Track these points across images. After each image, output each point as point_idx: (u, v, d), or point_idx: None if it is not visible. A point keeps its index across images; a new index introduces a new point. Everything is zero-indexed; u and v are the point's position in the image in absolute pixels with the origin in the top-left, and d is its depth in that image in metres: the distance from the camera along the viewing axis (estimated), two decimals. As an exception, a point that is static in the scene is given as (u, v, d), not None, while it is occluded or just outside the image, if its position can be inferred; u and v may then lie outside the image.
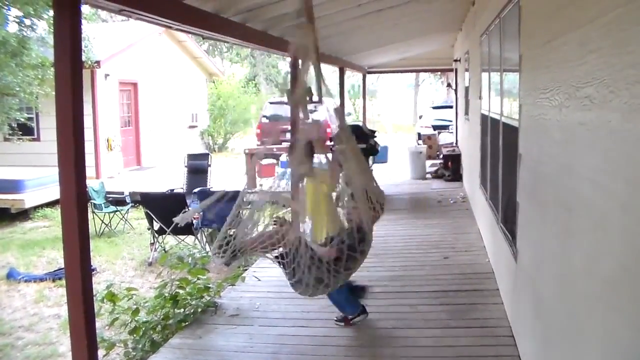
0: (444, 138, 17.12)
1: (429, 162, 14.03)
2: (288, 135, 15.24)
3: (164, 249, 8.93)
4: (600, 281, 2.32)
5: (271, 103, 21.54)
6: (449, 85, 19.72)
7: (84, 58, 3.75)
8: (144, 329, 5.26)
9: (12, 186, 12.17)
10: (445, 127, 19.26)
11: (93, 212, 10.16)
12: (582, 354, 2.61)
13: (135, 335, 5.23)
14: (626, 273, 2.03)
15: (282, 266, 3.96)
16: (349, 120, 27.71)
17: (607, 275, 2.24)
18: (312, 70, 3.65)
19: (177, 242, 8.93)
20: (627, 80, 2.00)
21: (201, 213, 8.79)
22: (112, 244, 10.06)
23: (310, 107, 3.80)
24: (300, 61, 3.72)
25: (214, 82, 25.21)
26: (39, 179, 12.42)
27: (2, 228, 11.56)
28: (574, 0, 2.78)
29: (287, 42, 7.54)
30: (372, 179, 4.35)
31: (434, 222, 8.90)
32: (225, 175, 14.80)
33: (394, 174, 13.86)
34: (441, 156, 14.05)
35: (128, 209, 11.09)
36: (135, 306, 5.40)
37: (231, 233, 3.94)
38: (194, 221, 8.73)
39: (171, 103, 20.39)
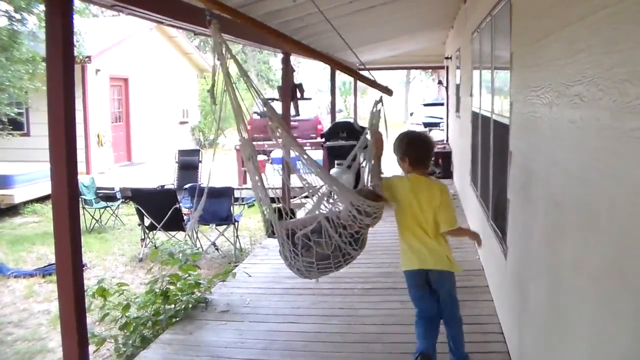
0: (435, 135, 17.14)
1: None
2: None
3: (155, 245, 8.93)
4: (589, 278, 2.35)
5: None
6: (440, 82, 19.76)
7: (75, 53, 3.74)
8: (134, 324, 5.26)
9: (2, 181, 12.11)
10: (436, 125, 19.30)
11: (83, 207, 10.13)
12: (572, 349, 2.64)
13: (125, 331, 5.23)
14: (615, 270, 2.05)
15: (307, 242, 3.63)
16: (340, 117, 27.75)
17: (596, 272, 2.26)
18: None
19: (167, 238, 8.93)
20: (616, 78, 2.02)
21: (192, 209, 8.79)
22: (102, 240, 10.04)
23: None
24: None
25: (205, 78, 25.13)
26: (29, 174, 12.37)
27: (-8, 223, 11.51)
28: (564, -2, 2.80)
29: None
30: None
31: (425, 219, 8.90)
32: (216, 171, 14.79)
33: (384, 171, 13.86)
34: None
35: (118, 205, 11.07)
36: (125, 302, 5.40)
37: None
38: (185, 217, 8.73)
39: (162, 99, 20.33)
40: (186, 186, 10.15)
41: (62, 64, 3.36)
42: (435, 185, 3.88)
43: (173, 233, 8.86)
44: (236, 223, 8.74)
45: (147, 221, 8.74)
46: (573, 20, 2.58)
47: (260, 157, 15.74)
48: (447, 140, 15.24)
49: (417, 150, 3.92)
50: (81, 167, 13.99)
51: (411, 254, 3.91)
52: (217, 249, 8.94)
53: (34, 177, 12.25)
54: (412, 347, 4.55)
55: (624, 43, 1.96)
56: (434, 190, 3.81)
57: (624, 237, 1.95)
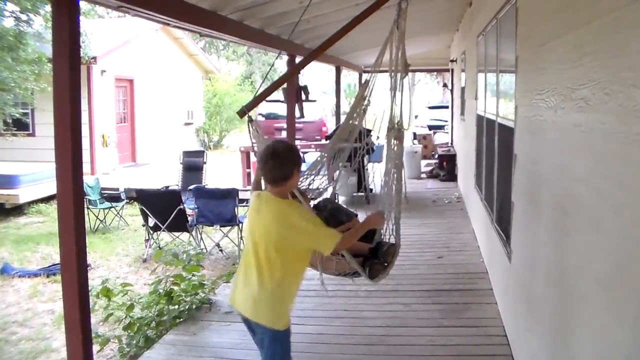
0: (440, 138, 17.14)
1: (424, 162, 14.04)
2: (284, 134, 15.30)
3: (159, 246, 8.93)
4: (593, 281, 2.34)
5: (267, 101, 21.54)
6: (444, 85, 19.76)
7: (81, 54, 3.75)
8: (138, 325, 5.26)
9: (7, 181, 12.13)
10: (440, 127, 19.29)
11: (88, 208, 10.14)
12: (576, 353, 2.63)
13: (129, 331, 5.23)
14: (619, 273, 2.05)
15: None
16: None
17: (600, 276, 2.26)
18: None
19: (171, 238, 8.93)
20: (622, 82, 2.02)
21: (196, 210, 8.80)
22: (106, 240, 10.05)
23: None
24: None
25: (210, 80, 25.17)
26: (34, 174, 12.39)
27: (-4, 223, 11.54)
28: (570, 2, 2.80)
29: (283, 40, 7.60)
30: None
31: (429, 221, 8.92)
32: (221, 172, 14.83)
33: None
34: (436, 156, 14.06)
35: (123, 205, 11.08)
36: (129, 302, 5.41)
37: None
38: (189, 218, 8.74)
39: (167, 100, 20.34)
40: (191, 187, 10.16)
41: (68, 65, 3.37)
42: (286, 209, 3.09)
43: (177, 234, 8.87)
44: (240, 224, 8.73)
45: (152, 222, 8.75)
46: (579, 24, 2.58)
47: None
48: (451, 143, 15.22)
49: (262, 165, 3.18)
50: (86, 167, 13.93)
51: (235, 288, 3.40)
52: (221, 250, 8.94)
53: (38, 177, 12.28)
54: (416, 350, 4.56)
55: (631, 47, 1.95)
56: (280, 215, 3.06)
57: (629, 241, 1.95)
